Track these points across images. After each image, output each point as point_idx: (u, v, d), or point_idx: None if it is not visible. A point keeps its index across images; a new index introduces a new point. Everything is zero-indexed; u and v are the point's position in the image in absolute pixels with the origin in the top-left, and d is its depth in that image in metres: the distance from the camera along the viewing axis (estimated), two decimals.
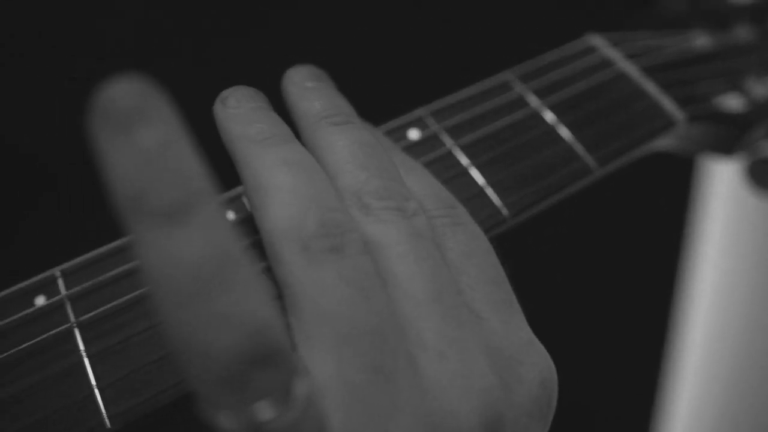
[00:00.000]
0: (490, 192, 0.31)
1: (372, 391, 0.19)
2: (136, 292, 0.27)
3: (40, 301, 0.27)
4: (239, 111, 0.25)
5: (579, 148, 0.33)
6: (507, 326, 0.24)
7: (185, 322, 0.16)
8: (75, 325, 0.26)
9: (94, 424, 0.25)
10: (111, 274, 0.28)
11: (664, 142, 0.37)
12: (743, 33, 0.46)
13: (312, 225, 0.21)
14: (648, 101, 0.35)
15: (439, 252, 0.24)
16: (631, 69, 0.37)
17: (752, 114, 0.42)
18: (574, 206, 0.35)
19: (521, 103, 0.34)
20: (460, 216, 0.26)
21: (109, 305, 0.27)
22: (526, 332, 0.25)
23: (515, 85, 0.35)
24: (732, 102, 0.41)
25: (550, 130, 0.33)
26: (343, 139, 0.25)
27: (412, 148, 0.31)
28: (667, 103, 0.36)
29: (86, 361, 0.26)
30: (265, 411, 0.17)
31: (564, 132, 0.33)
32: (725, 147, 0.42)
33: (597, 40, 0.38)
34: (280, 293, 0.23)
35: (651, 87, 0.36)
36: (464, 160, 0.31)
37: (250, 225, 0.29)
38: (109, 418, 0.24)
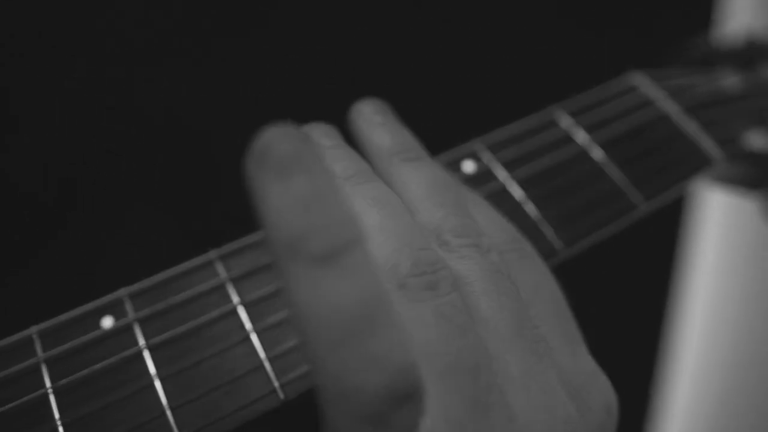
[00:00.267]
0: (543, 226, 0.32)
1: (471, 424, 0.20)
2: (204, 317, 0.28)
3: (108, 322, 0.28)
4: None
5: (624, 186, 0.34)
6: (575, 357, 0.25)
7: (338, 362, 0.17)
8: (146, 347, 0.27)
9: None
10: (178, 298, 0.28)
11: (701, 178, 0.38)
12: None
13: (407, 264, 0.22)
14: (687, 142, 0.37)
15: (514, 286, 0.25)
16: (671, 108, 0.38)
17: None
18: None
19: (569, 139, 0.35)
20: (527, 250, 0.27)
21: (177, 329, 0.27)
22: (590, 362, 0.26)
23: (563, 121, 0.36)
24: (761, 141, 0.43)
25: (597, 168, 0.34)
26: (417, 176, 0.26)
27: (468, 181, 0.32)
28: (706, 143, 0.37)
29: (158, 384, 0.26)
30: None
31: (610, 170, 0.34)
32: (752, 183, 0.44)
33: (638, 79, 0.39)
34: None
35: (691, 126, 0.37)
36: (518, 194, 0.32)
37: None
38: None
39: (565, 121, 0.36)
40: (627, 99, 0.38)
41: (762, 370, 0.84)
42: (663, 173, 0.35)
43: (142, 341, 0.27)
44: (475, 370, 0.21)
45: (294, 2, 0.65)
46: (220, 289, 0.29)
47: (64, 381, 0.26)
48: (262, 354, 0.27)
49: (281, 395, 0.26)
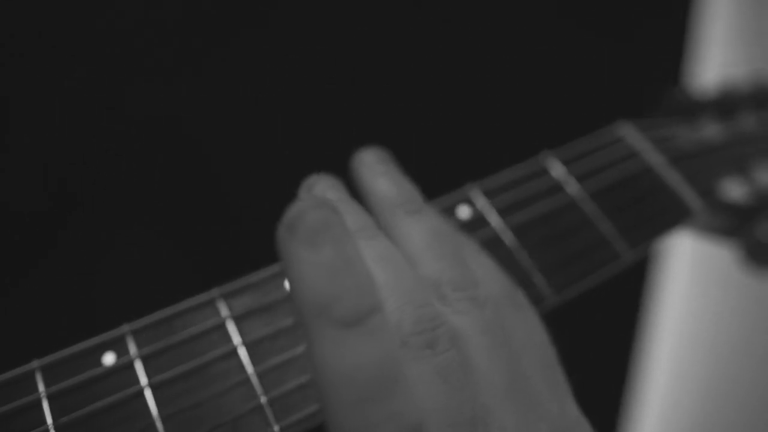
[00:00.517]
0: (534, 273, 0.33)
1: None
2: (205, 357, 0.28)
3: (110, 358, 0.28)
4: None
5: (610, 236, 0.35)
6: (562, 406, 0.26)
7: (358, 418, 0.18)
8: (147, 385, 0.27)
9: None
10: (180, 336, 0.29)
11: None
12: (748, 121, 0.50)
13: (409, 322, 0.23)
14: (670, 193, 0.39)
15: (507, 338, 0.26)
16: (656, 160, 0.40)
17: (755, 203, 0.45)
18: None
19: (560, 188, 0.36)
20: (520, 301, 0.28)
21: (178, 368, 0.28)
22: (575, 410, 0.27)
23: (554, 170, 0.37)
24: (738, 190, 0.45)
25: (586, 218, 0.36)
26: (418, 228, 0.28)
27: (464, 227, 0.34)
28: (688, 194, 0.39)
29: (159, 424, 0.27)
30: None
31: (598, 219, 0.36)
32: (730, 232, 0.46)
33: (625, 129, 0.41)
34: None
35: (674, 178, 0.39)
36: (510, 241, 0.34)
37: None
38: None
39: (557, 170, 0.37)
40: (614, 149, 0.40)
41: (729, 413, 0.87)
42: (648, 224, 0.37)
43: (144, 380, 0.28)
44: (472, 422, 0.22)
45: (299, 17, 0.65)
46: (221, 328, 0.29)
47: (65, 418, 0.27)
48: (262, 395, 0.28)
49: None
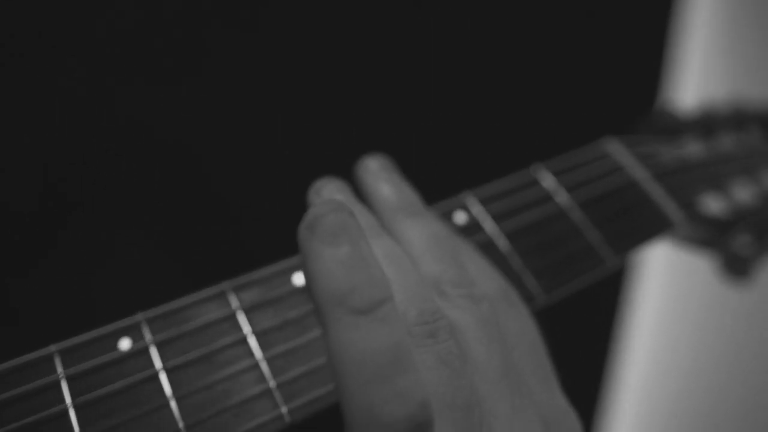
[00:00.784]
0: (525, 275, 0.35)
1: None
2: (216, 344, 0.30)
3: (125, 344, 0.30)
4: None
5: (597, 244, 0.38)
6: (550, 396, 0.28)
7: (370, 396, 0.20)
8: (162, 369, 0.29)
9: None
10: (192, 324, 0.31)
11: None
12: (728, 141, 0.53)
13: (413, 315, 0.25)
14: (653, 206, 0.41)
15: (501, 332, 0.28)
16: (640, 174, 0.42)
17: (732, 217, 0.48)
18: None
19: (550, 198, 0.39)
20: (513, 298, 0.31)
21: (191, 354, 0.30)
22: (563, 400, 0.29)
23: (545, 180, 0.40)
24: (717, 205, 0.48)
25: (574, 226, 0.38)
26: (419, 231, 0.30)
27: (460, 231, 0.36)
28: (669, 207, 0.41)
29: (173, 404, 0.28)
30: None
31: (585, 228, 0.38)
32: (708, 243, 0.49)
33: (612, 145, 0.44)
34: None
35: (657, 191, 0.42)
36: (504, 246, 0.36)
37: None
38: None
39: (547, 180, 0.40)
40: (601, 164, 0.42)
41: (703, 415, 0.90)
42: (631, 233, 0.39)
43: (159, 363, 0.29)
44: (469, 407, 0.24)
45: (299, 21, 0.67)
46: (232, 318, 0.31)
47: (83, 398, 0.28)
48: (270, 380, 0.29)
49: (287, 419, 0.29)
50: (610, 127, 0.46)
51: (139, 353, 0.30)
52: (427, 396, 0.21)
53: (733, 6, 0.89)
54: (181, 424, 0.28)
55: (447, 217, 0.36)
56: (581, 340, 0.85)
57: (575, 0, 0.77)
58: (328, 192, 0.31)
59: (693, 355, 0.90)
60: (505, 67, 0.73)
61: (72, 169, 0.60)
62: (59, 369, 0.29)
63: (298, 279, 0.33)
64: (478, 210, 0.37)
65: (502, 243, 0.36)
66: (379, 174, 0.33)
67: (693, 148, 0.50)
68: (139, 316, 0.31)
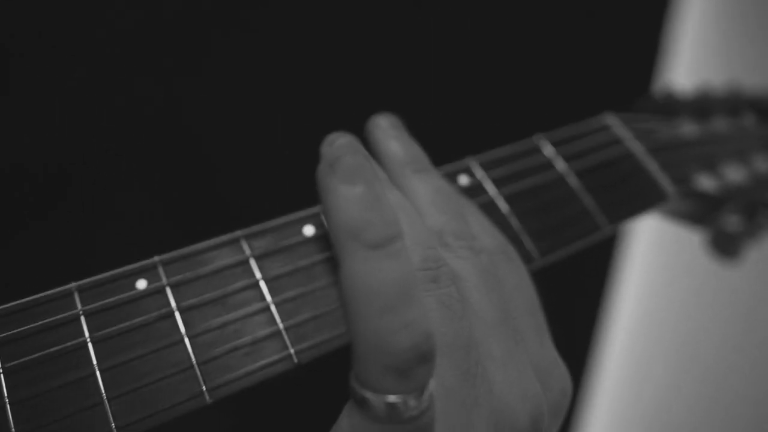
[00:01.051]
0: (523, 236, 0.37)
1: (461, 390, 0.25)
2: (229, 287, 0.32)
3: (142, 284, 0.31)
4: None
5: (593, 210, 0.39)
6: (542, 346, 0.30)
7: (380, 324, 0.21)
8: (177, 309, 0.31)
9: (196, 392, 0.29)
10: (207, 269, 0.32)
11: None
12: (721, 124, 0.55)
13: (418, 260, 0.27)
14: (648, 178, 0.43)
15: (499, 283, 0.30)
16: (637, 148, 0.44)
17: (723, 196, 0.50)
18: None
19: (550, 165, 0.40)
20: (511, 254, 0.32)
21: (205, 295, 0.31)
22: (553, 352, 0.31)
23: (546, 149, 0.41)
24: (708, 183, 0.49)
25: (571, 193, 0.40)
26: (425, 185, 0.31)
27: (463, 192, 0.37)
28: (663, 180, 0.43)
29: (187, 341, 0.30)
30: (410, 400, 0.22)
31: (582, 195, 0.40)
32: (698, 219, 0.50)
33: (611, 119, 0.45)
34: None
35: (652, 165, 0.43)
36: (504, 208, 0.37)
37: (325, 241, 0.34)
38: (208, 392, 0.29)
39: (548, 150, 0.41)
40: (600, 136, 0.44)
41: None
42: (626, 202, 0.41)
43: (174, 303, 0.31)
44: (467, 348, 0.26)
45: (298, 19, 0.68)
46: (245, 264, 0.33)
47: (101, 333, 0.30)
48: (280, 323, 0.31)
49: (295, 360, 0.30)
50: (609, 107, 0.48)
51: (155, 293, 0.31)
52: (431, 329, 0.23)
53: None
54: (194, 360, 0.29)
55: (451, 178, 0.38)
56: (571, 304, 0.87)
57: None
58: (341, 143, 0.32)
59: (677, 326, 0.93)
60: (510, 51, 0.74)
61: (73, 169, 0.61)
62: (78, 305, 0.30)
63: (309, 230, 0.34)
64: (480, 174, 0.38)
65: (502, 205, 0.37)
66: (388, 131, 0.34)
67: (688, 128, 0.52)
68: (156, 259, 0.32)
